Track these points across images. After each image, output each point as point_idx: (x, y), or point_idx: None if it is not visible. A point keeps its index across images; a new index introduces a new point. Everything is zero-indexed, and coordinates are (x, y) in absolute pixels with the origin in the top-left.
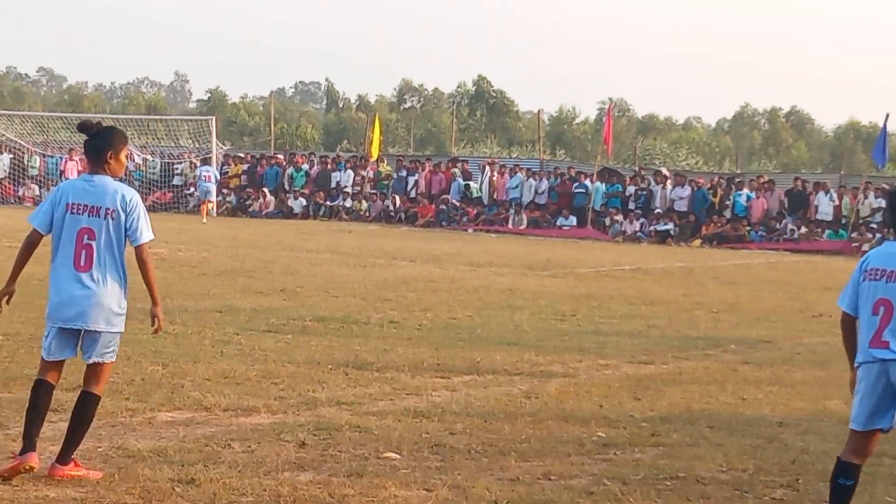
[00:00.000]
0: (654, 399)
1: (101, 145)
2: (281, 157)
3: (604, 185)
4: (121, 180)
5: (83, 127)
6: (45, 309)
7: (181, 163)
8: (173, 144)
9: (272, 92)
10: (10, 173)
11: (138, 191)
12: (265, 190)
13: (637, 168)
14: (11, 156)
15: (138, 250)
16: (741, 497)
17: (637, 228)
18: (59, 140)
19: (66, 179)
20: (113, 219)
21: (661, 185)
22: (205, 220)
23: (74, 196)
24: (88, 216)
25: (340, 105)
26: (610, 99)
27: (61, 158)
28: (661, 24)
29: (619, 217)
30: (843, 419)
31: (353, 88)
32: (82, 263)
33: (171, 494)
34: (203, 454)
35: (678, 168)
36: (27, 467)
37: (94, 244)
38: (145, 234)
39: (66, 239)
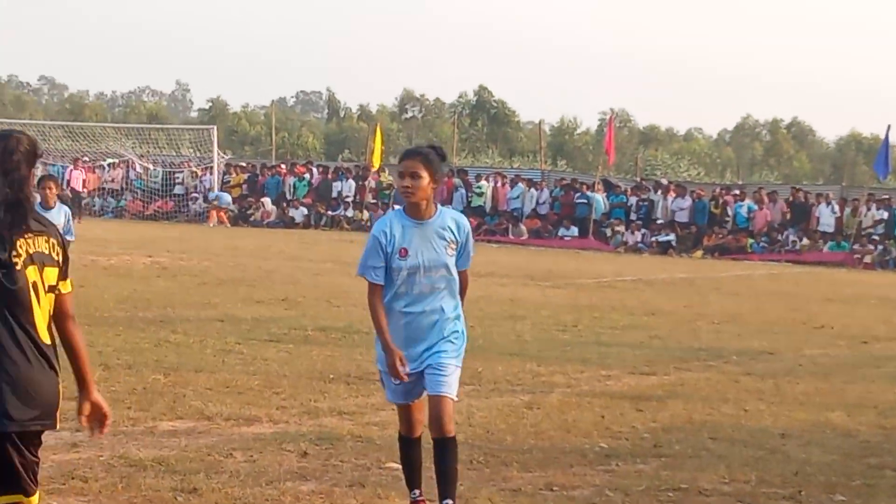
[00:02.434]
0: (657, 410)
1: None
2: (282, 166)
3: (607, 195)
4: (122, 189)
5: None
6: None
7: (182, 172)
8: (174, 153)
9: (273, 101)
10: None
11: (139, 200)
12: (266, 199)
13: (638, 179)
14: None
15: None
16: None
17: (639, 239)
18: (61, 149)
19: (72, 189)
20: None
21: (663, 196)
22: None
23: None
24: None
25: (342, 114)
26: (611, 110)
27: (64, 168)
28: (664, 35)
29: (621, 228)
30: (846, 431)
31: (355, 98)
32: None
33: (173, 503)
34: (205, 463)
35: (679, 179)
36: None
37: None
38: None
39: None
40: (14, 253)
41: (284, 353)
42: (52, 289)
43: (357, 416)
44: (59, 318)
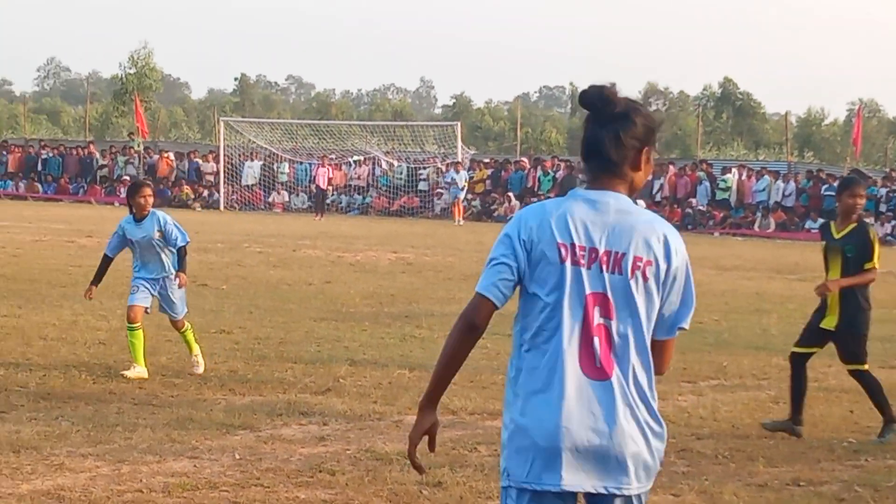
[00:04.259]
0: None
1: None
2: (525, 161)
3: None
4: (368, 186)
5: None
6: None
7: (426, 168)
8: (419, 150)
9: (517, 97)
10: (260, 180)
11: (384, 196)
12: (510, 194)
13: (888, 169)
14: (262, 162)
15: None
16: None
17: (888, 231)
18: (308, 147)
19: (317, 187)
20: (645, 277)
21: None
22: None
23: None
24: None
25: None
26: (860, 100)
27: (311, 165)
28: None
29: (871, 219)
30: None
31: None
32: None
33: (418, 497)
34: (450, 457)
35: None
36: None
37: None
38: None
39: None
40: None
41: None
42: None
43: None
44: None
